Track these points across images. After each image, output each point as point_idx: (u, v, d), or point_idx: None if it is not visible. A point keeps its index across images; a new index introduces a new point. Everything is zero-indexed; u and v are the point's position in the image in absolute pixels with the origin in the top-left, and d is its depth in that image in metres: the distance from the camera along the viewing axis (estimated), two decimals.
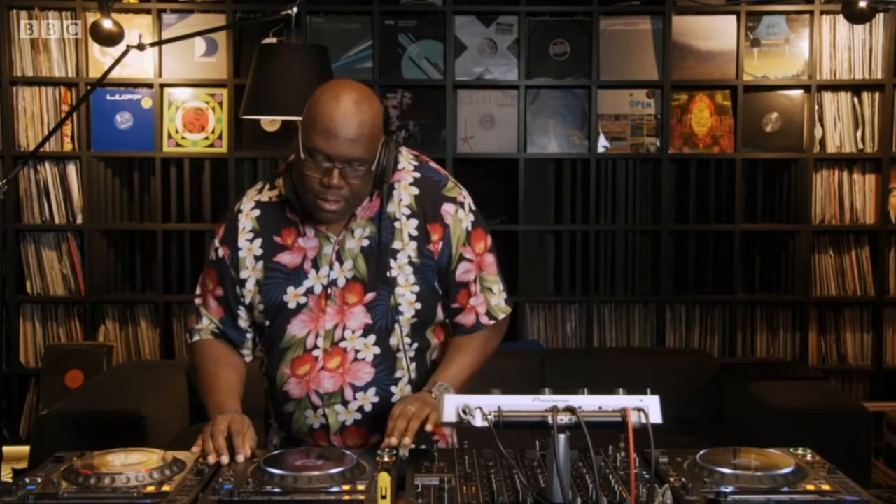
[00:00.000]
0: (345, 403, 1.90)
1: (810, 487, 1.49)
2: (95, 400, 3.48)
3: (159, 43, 3.95)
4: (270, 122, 4.29)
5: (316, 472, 1.52)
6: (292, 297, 1.90)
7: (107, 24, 3.86)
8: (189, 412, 3.85)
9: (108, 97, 4.26)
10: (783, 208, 4.37)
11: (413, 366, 1.93)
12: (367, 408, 1.91)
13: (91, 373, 4.00)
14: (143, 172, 4.34)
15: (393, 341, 1.90)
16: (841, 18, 4.19)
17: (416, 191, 1.92)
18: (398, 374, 1.92)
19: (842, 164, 4.34)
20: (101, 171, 4.29)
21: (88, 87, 3.91)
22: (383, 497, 1.44)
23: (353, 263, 1.89)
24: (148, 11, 4.24)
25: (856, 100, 4.30)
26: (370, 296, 1.89)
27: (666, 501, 1.40)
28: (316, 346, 1.89)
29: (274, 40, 4.16)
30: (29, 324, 4.34)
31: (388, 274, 1.88)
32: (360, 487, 1.48)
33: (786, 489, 1.48)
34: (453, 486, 1.50)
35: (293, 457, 1.62)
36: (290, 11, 3.10)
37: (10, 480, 1.52)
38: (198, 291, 2.02)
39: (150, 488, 1.48)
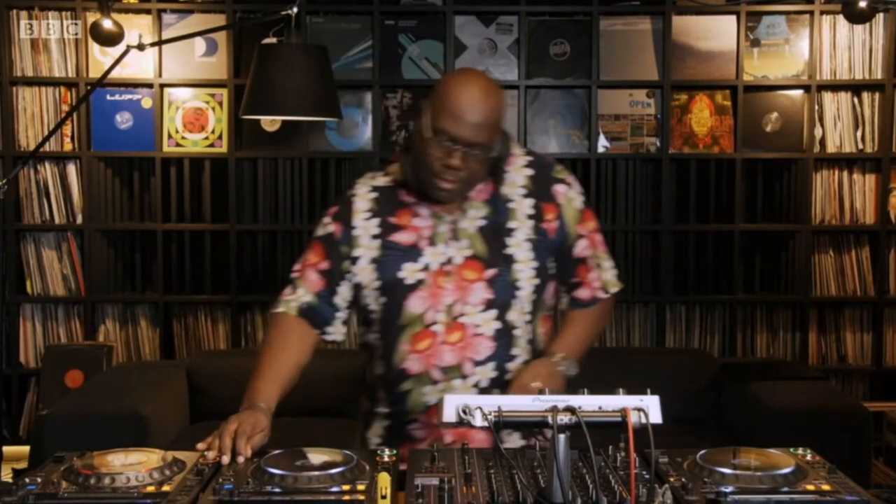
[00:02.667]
0: (463, 377, 1.94)
1: (810, 487, 1.49)
2: (95, 400, 3.48)
3: (159, 43, 3.96)
4: (270, 122, 4.29)
5: (316, 472, 1.52)
6: (409, 273, 1.95)
7: (107, 24, 3.86)
8: (189, 412, 3.85)
9: (108, 97, 4.26)
10: (783, 208, 4.37)
11: (528, 347, 1.99)
12: (484, 383, 1.94)
13: (91, 373, 4.00)
14: (143, 172, 4.34)
15: (511, 317, 1.95)
16: (841, 18, 4.19)
17: (529, 172, 2.01)
18: (514, 351, 1.96)
19: (842, 164, 4.34)
20: (101, 171, 4.29)
21: (88, 87, 3.91)
22: (383, 497, 1.44)
23: (469, 242, 1.96)
24: (148, 11, 4.24)
25: (856, 100, 4.30)
26: (490, 272, 1.95)
27: (666, 501, 1.40)
28: (435, 322, 1.94)
29: (274, 40, 4.16)
30: (29, 324, 4.34)
31: (506, 251, 1.95)
32: (360, 487, 1.48)
33: (786, 489, 1.48)
34: (453, 486, 1.50)
35: (293, 457, 1.62)
36: (290, 11, 3.10)
37: (10, 480, 1.52)
38: (296, 266, 2.04)
39: (150, 488, 1.48)
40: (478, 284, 1.94)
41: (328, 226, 2.02)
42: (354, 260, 1.98)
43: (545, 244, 1.99)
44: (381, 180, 2.04)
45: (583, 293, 2.07)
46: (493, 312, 1.94)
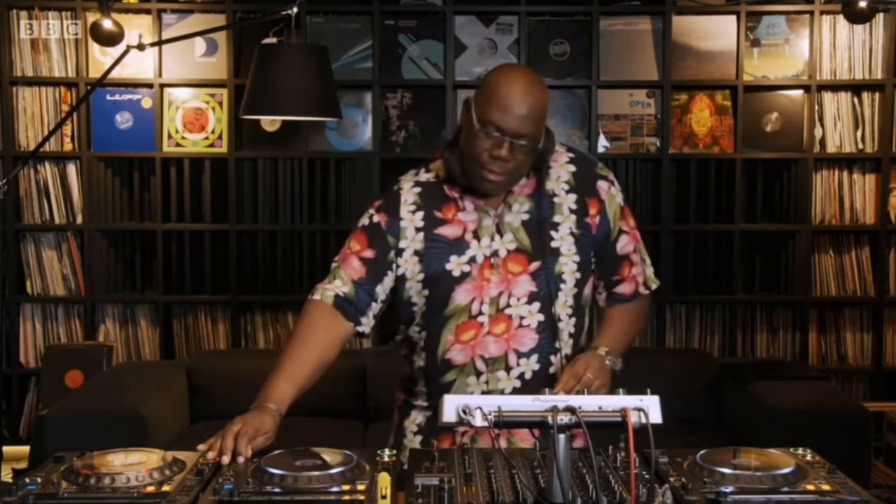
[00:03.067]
0: (507, 369, 1.95)
1: (810, 487, 1.48)
2: (95, 400, 3.48)
3: (159, 43, 3.95)
4: (270, 122, 4.29)
5: (316, 472, 1.52)
6: (456, 265, 1.96)
7: (107, 24, 3.86)
8: (189, 412, 3.85)
9: (108, 97, 4.26)
10: (783, 208, 4.37)
11: (571, 342, 2.00)
12: (528, 375, 1.96)
13: (91, 373, 4.00)
14: (143, 172, 4.34)
15: (556, 310, 1.97)
16: (841, 18, 4.19)
17: (573, 168, 2.04)
18: (558, 344, 1.98)
19: (842, 164, 4.34)
20: (101, 171, 4.29)
21: (88, 87, 3.91)
22: (383, 497, 1.44)
23: (513, 236, 1.97)
24: (148, 11, 4.24)
25: (856, 100, 4.30)
26: (535, 265, 1.96)
27: (666, 501, 1.40)
28: (481, 313, 1.95)
29: (274, 40, 4.16)
30: (29, 324, 4.34)
31: (551, 245, 1.97)
32: (360, 487, 1.48)
33: (786, 489, 1.48)
34: (453, 486, 1.50)
35: (293, 457, 1.62)
36: (290, 11, 3.10)
37: (10, 480, 1.52)
38: (337, 257, 2.04)
39: (150, 488, 1.48)
40: (522, 277, 1.96)
41: (373, 216, 2.02)
42: (400, 252, 1.99)
43: (588, 238, 2.01)
44: (425, 176, 2.05)
45: (624, 288, 2.08)
46: (538, 305, 1.96)
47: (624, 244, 2.06)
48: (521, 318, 1.95)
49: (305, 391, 1.90)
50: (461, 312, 1.96)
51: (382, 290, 2.00)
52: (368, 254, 1.99)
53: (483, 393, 1.95)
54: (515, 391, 1.95)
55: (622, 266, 2.06)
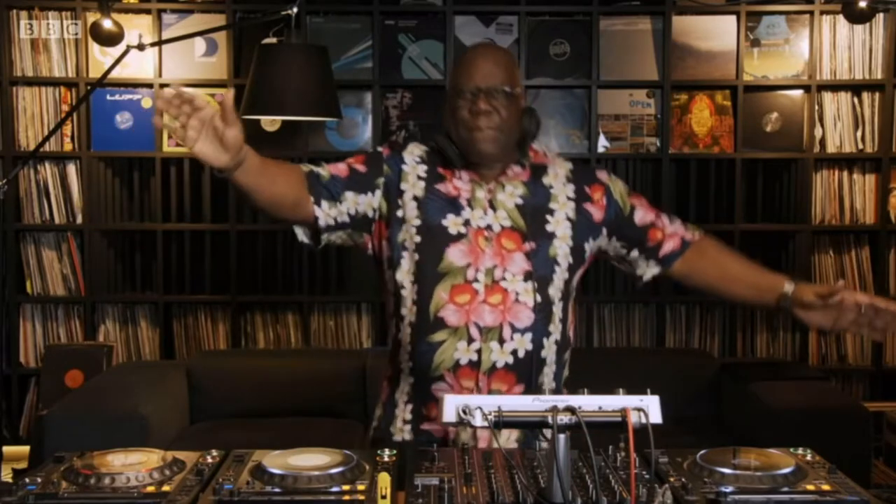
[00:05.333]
0: (501, 342, 1.93)
1: (810, 487, 1.48)
2: (95, 400, 3.48)
3: (159, 43, 3.96)
4: (270, 122, 4.29)
5: (316, 472, 1.52)
6: (452, 224, 1.97)
7: (107, 24, 3.86)
8: (189, 412, 3.85)
9: (108, 97, 4.26)
10: (783, 208, 4.37)
11: (560, 327, 1.99)
12: (521, 353, 1.94)
13: (91, 373, 4.00)
14: (143, 172, 4.34)
15: (551, 292, 1.97)
16: (841, 18, 4.19)
17: (570, 165, 2.09)
18: (551, 327, 1.97)
19: (842, 164, 4.34)
20: (101, 171, 4.30)
21: (88, 87, 3.92)
22: (383, 497, 1.44)
23: (507, 214, 1.99)
24: (148, 11, 4.24)
25: (856, 100, 4.30)
26: (529, 245, 1.97)
27: (666, 501, 1.40)
28: (476, 280, 1.95)
29: (274, 40, 4.16)
30: (29, 324, 4.34)
31: (546, 227, 1.99)
32: (360, 487, 1.48)
33: (786, 489, 1.48)
34: (453, 486, 1.50)
35: (293, 457, 1.62)
36: (290, 11, 3.11)
37: (10, 480, 1.52)
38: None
39: (150, 488, 1.48)
40: (517, 254, 1.96)
41: (378, 148, 2.07)
42: (400, 193, 1.99)
43: (585, 225, 2.02)
44: (427, 145, 2.09)
45: (671, 245, 2.08)
46: (533, 284, 1.95)
47: (642, 215, 2.07)
48: (517, 293, 1.94)
49: (255, 175, 1.81)
50: (456, 273, 1.94)
51: (354, 201, 1.96)
52: (360, 167, 2.00)
53: (472, 363, 1.92)
54: (507, 367, 1.93)
55: (651, 232, 2.07)
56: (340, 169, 1.99)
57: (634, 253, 2.09)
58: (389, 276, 2.02)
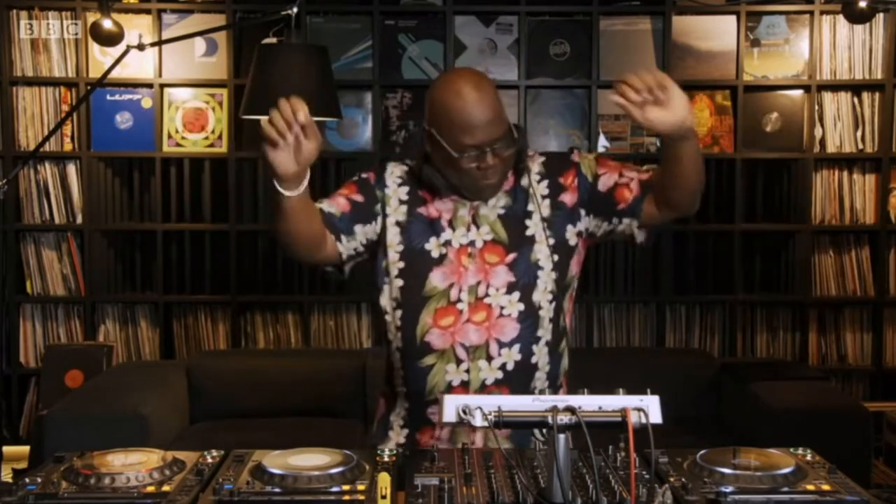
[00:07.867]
0: (489, 359, 1.94)
1: (810, 487, 1.49)
2: (95, 400, 3.48)
3: (159, 43, 3.96)
4: None
5: (316, 472, 1.52)
6: (434, 246, 1.98)
7: (107, 24, 3.86)
8: (189, 412, 3.85)
9: (108, 97, 4.26)
10: (783, 208, 4.37)
11: (550, 327, 1.99)
12: (510, 366, 1.95)
13: (91, 373, 4.00)
14: (143, 172, 4.34)
15: (536, 297, 1.97)
16: (841, 18, 4.19)
17: (542, 159, 2.07)
18: (539, 332, 1.97)
19: (842, 164, 4.34)
20: (101, 171, 4.30)
21: (88, 87, 3.92)
22: (383, 497, 1.44)
23: (489, 228, 1.99)
24: (148, 11, 4.24)
25: (856, 100, 4.30)
26: (511, 256, 1.97)
27: (666, 501, 1.40)
28: (460, 300, 1.95)
29: (274, 40, 4.16)
30: (29, 324, 4.34)
31: (525, 234, 1.98)
32: (360, 487, 1.48)
33: (786, 489, 1.48)
34: (453, 486, 1.50)
35: (293, 457, 1.62)
36: (290, 11, 3.11)
37: (10, 480, 1.52)
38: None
39: (150, 488, 1.48)
40: (500, 268, 1.96)
41: (362, 174, 2.06)
42: (385, 217, 2.00)
43: (561, 216, 2.00)
44: (407, 166, 2.07)
45: (632, 193, 1.97)
46: (517, 294, 1.96)
47: (605, 180, 2.00)
48: (502, 307, 1.95)
49: (303, 202, 1.84)
50: (440, 297, 1.95)
51: (363, 232, 1.98)
52: (357, 197, 2.00)
53: (463, 382, 1.94)
54: (497, 382, 1.94)
55: (618, 193, 1.98)
56: (342, 204, 1.99)
57: (615, 221, 2.01)
58: (376, 300, 2.04)
